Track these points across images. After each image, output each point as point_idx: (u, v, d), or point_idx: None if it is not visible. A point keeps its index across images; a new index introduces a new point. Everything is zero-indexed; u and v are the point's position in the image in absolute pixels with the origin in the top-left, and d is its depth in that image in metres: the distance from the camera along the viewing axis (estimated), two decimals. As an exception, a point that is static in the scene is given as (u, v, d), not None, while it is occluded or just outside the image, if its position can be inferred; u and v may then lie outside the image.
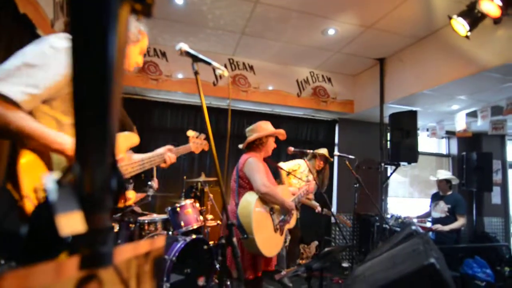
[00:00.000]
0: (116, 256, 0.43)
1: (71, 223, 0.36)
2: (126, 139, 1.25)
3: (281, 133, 2.44)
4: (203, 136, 2.05)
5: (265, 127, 2.39)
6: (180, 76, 4.09)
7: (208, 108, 4.44)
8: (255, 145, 2.36)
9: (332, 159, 3.90)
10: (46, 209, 0.36)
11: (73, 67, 0.31)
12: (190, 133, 1.97)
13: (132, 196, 1.26)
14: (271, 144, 2.43)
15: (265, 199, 2.16)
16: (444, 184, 3.99)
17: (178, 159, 4.72)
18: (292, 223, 2.48)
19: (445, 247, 3.71)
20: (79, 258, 0.37)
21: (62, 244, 0.38)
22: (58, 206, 0.36)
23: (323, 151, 3.86)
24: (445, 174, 4.05)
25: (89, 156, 0.35)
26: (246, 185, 2.24)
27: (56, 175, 0.55)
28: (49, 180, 0.38)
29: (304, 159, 3.79)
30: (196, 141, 1.99)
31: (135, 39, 1.26)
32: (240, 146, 2.45)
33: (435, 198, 4.12)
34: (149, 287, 0.50)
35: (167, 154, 1.59)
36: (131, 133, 1.33)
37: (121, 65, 0.39)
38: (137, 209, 3.36)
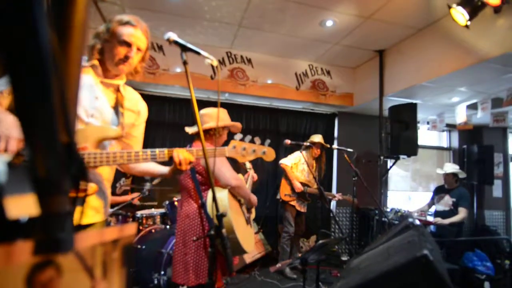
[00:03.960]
0: (78, 242, 0.41)
1: (21, 205, 0.35)
2: (97, 131, 1.18)
3: (237, 126, 2.05)
4: (258, 139, 1.50)
5: (221, 117, 2.02)
6: (177, 70, 4.06)
7: (206, 102, 4.41)
8: (208, 134, 1.98)
9: (328, 146, 3.98)
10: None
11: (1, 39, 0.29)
12: (237, 136, 1.48)
13: (92, 189, 1.03)
14: (224, 137, 2.08)
15: (235, 193, 1.97)
16: (451, 177, 3.97)
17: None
18: (253, 213, 2.36)
19: (445, 240, 3.70)
20: (33, 243, 0.36)
21: (16, 229, 0.37)
22: (7, 188, 0.34)
23: (318, 138, 3.94)
24: (452, 167, 4.02)
25: (36, 137, 0.33)
26: (206, 181, 1.91)
27: (6, 156, 0.54)
28: (-2, 162, 0.36)
29: (300, 151, 3.88)
30: (238, 146, 1.45)
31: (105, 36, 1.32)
32: (189, 130, 2.04)
33: (439, 191, 4.09)
34: (117, 275, 0.49)
35: (177, 150, 1.28)
36: (107, 126, 1.27)
37: (75, 38, 0.37)
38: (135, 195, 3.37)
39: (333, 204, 5.05)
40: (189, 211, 1.92)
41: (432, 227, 3.96)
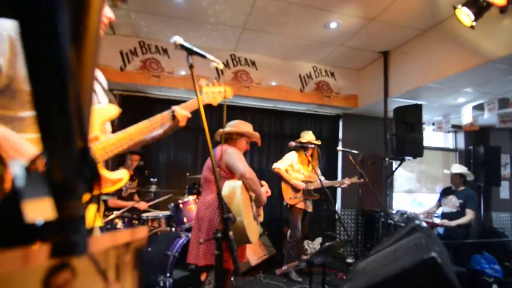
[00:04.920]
0: (92, 245, 0.42)
1: (38, 210, 0.35)
2: (98, 113, 1.09)
3: (256, 136, 2.43)
4: (215, 82, 1.70)
5: (241, 126, 2.39)
6: (182, 72, 4.08)
7: (209, 104, 4.43)
8: (228, 140, 2.37)
9: (319, 142, 3.90)
10: (14, 196, 0.36)
11: (23, 46, 0.30)
12: (202, 81, 1.64)
13: (125, 176, 1.06)
14: (242, 144, 2.40)
15: (248, 185, 2.14)
16: (458, 178, 3.92)
17: (181, 156, 4.72)
18: (261, 216, 2.51)
19: (453, 243, 3.67)
20: (50, 246, 0.36)
21: (33, 232, 0.37)
22: (25, 192, 0.35)
23: (308, 135, 3.90)
24: (459, 168, 3.98)
25: (54, 142, 0.34)
26: (225, 174, 2.21)
27: (24, 161, 0.55)
28: (16, 166, 0.37)
29: (296, 151, 3.82)
30: (209, 91, 1.64)
31: None
32: (217, 138, 2.42)
33: (446, 192, 4.05)
34: (130, 278, 0.49)
35: (176, 109, 1.39)
36: (107, 105, 1.18)
37: (89, 42, 0.38)
38: (143, 205, 3.41)
39: (338, 206, 5.02)
40: (206, 199, 2.18)
41: (439, 229, 3.92)
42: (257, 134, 2.43)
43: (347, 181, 3.83)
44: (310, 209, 3.86)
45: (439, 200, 4.13)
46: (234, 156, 2.18)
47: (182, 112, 1.41)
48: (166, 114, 1.36)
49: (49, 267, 0.36)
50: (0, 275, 0.31)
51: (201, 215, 2.16)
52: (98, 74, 1.33)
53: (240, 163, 2.15)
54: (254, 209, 2.28)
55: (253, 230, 2.16)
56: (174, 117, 1.38)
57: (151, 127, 1.26)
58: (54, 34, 0.30)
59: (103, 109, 1.12)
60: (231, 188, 2.04)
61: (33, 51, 0.30)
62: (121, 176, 1.07)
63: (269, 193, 2.74)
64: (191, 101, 1.51)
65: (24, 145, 0.82)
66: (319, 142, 3.92)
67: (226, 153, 2.20)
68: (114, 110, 1.14)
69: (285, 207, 3.89)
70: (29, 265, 0.34)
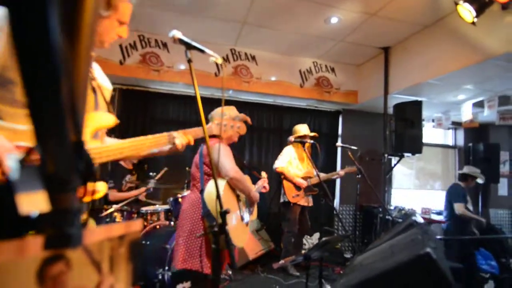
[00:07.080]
0: (86, 237, 0.42)
1: (32, 202, 0.36)
2: (91, 120, 1.03)
3: (245, 118, 2.18)
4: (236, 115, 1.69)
5: (230, 114, 2.18)
6: (181, 67, 4.07)
7: (210, 99, 4.41)
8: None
9: (317, 135, 3.79)
10: (8, 189, 0.36)
11: (14, 40, 0.30)
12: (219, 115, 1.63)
13: (103, 188, 0.99)
14: (235, 136, 2.20)
15: (233, 185, 2.03)
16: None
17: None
18: (254, 214, 2.39)
19: (452, 239, 3.70)
20: (44, 238, 0.37)
21: (28, 224, 0.38)
22: (19, 185, 0.36)
23: (305, 129, 3.80)
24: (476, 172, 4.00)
25: (47, 136, 0.34)
26: (211, 171, 1.96)
27: (19, 154, 0.55)
28: (11, 159, 0.37)
29: (291, 145, 3.77)
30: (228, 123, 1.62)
31: (106, 14, 1.06)
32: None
33: (464, 192, 3.91)
34: (124, 270, 0.50)
35: (178, 135, 1.34)
36: (102, 112, 1.13)
37: (84, 37, 0.38)
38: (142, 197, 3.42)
39: (336, 201, 5.05)
40: (191, 197, 2.05)
41: (443, 225, 3.97)
42: (243, 115, 2.16)
43: (341, 172, 3.83)
44: (310, 204, 3.82)
45: (464, 199, 3.92)
46: (222, 153, 2.02)
47: (183, 141, 1.36)
48: (167, 138, 1.31)
49: (43, 258, 0.37)
50: (-5, 266, 0.32)
51: (184, 214, 2.02)
52: (103, 81, 1.25)
53: (226, 161, 2.01)
54: (241, 210, 2.17)
55: (239, 233, 2.06)
56: (174, 144, 1.33)
57: (146, 146, 1.21)
58: (44, 25, 0.30)
59: (98, 116, 1.07)
60: (213, 190, 1.89)
61: (23, 42, 0.31)
62: (100, 188, 0.99)
63: (267, 188, 2.68)
64: (197, 129, 1.41)
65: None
66: (316, 135, 3.79)
67: (214, 148, 2.00)
68: (110, 120, 1.09)
69: (282, 204, 3.81)
70: (24, 256, 0.35)
